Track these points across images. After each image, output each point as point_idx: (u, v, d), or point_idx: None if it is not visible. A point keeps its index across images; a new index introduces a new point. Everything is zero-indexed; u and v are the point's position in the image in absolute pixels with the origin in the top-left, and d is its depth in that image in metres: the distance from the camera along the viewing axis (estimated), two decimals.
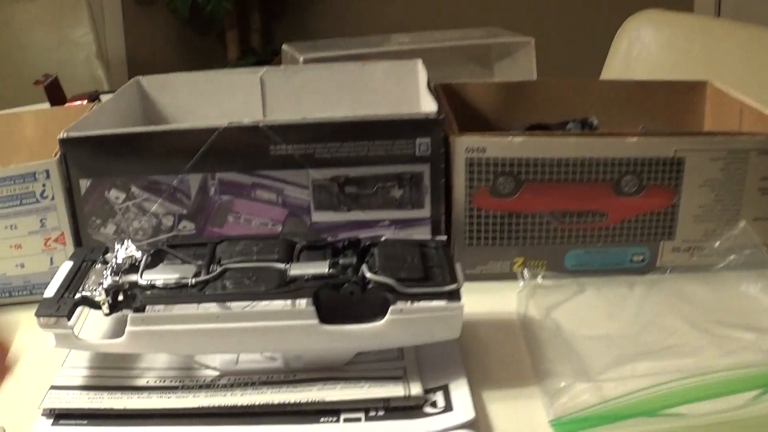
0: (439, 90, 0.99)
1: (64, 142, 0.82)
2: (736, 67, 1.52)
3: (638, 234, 0.87)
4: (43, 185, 0.83)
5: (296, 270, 0.69)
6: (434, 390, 0.68)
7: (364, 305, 0.68)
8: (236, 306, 0.68)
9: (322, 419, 0.65)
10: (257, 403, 0.66)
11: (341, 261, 0.70)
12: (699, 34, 1.58)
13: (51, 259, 0.85)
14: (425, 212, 0.84)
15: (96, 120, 0.89)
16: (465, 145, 0.82)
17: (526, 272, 0.85)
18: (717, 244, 0.86)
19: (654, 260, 0.88)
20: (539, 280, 0.85)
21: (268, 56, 3.08)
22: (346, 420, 0.65)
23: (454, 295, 0.68)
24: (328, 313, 0.67)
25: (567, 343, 0.76)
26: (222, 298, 0.67)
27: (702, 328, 0.77)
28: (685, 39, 1.56)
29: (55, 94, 1.25)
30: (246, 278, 0.68)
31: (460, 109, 0.99)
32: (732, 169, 0.84)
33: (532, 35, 1.35)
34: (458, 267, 0.70)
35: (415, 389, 0.66)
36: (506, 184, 0.83)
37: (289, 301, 0.69)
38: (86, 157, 0.82)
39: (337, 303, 0.67)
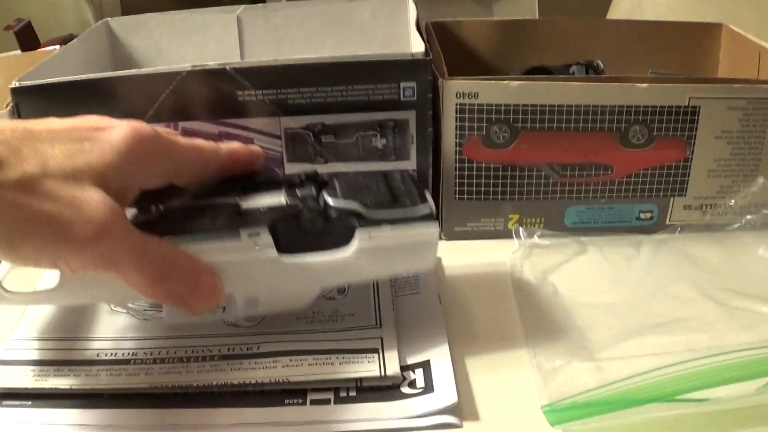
0: (430, 29, 0.91)
1: (17, 92, 0.74)
2: (754, 9, 1.43)
3: (646, 189, 0.79)
4: None
5: (249, 203, 0.60)
6: (413, 367, 0.61)
7: (328, 236, 0.60)
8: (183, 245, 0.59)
9: (286, 401, 0.58)
10: (215, 382, 0.58)
11: (299, 192, 0.61)
12: None
13: None
14: (411, 164, 0.77)
15: (56, 66, 0.81)
16: (455, 90, 0.74)
17: (521, 230, 0.78)
18: (732, 201, 0.79)
19: (663, 218, 0.81)
20: (536, 238, 0.77)
21: None
22: (312, 402, 0.58)
23: (428, 219, 0.60)
24: (287, 247, 0.59)
25: (565, 313, 0.68)
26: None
27: (715, 297, 0.69)
28: None
29: (28, 40, 1.17)
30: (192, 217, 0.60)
31: (455, 51, 0.91)
32: (751, 120, 0.76)
33: None
34: (428, 194, 0.63)
35: (392, 368, 0.59)
36: (501, 134, 0.75)
37: (243, 234, 0.59)
38: (41, 108, 0.74)
39: (297, 235, 0.59)
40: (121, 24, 0.98)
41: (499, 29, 0.97)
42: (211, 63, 0.73)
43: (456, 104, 0.74)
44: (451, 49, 0.88)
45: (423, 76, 0.74)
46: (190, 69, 0.73)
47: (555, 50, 0.95)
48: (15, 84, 0.74)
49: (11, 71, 1.00)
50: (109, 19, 0.99)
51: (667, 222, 0.81)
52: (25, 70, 0.97)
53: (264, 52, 0.96)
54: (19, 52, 1.22)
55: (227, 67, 0.73)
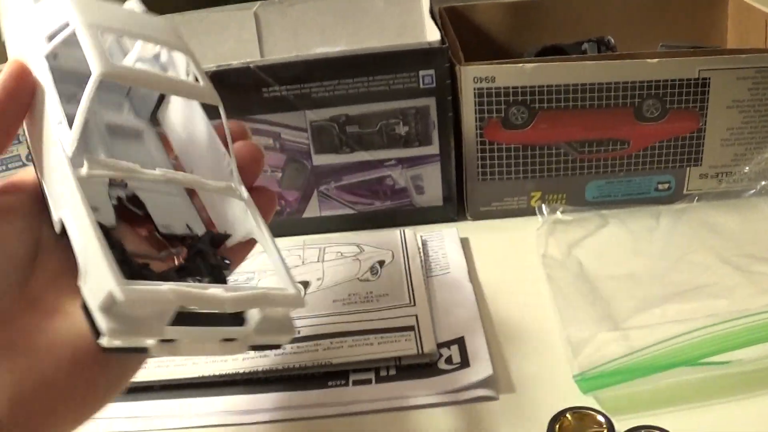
0: (444, 15, 0.93)
1: None
2: None
3: (663, 161, 0.81)
4: (28, 148, 0.78)
5: None
6: (449, 344, 0.63)
7: None
8: None
9: (330, 383, 0.61)
10: (261, 368, 0.61)
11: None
12: None
13: None
14: (434, 148, 0.79)
15: None
16: (472, 75, 0.76)
17: (544, 207, 0.80)
18: (747, 168, 0.80)
19: (680, 188, 0.83)
20: (558, 214, 0.80)
21: None
22: (355, 382, 0.60)
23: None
24: None
25: (590, 285, 0.71)
26: None
27: (734, 263, 0.71)
28: None
29: None
30: None
31: (469, 35, 0.93)
32: (761, 89, 0.78)
33: None
34: None
35: (428, 345, 0.62)
36: (519, 115, 0.78)
37: None
38: None
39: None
40: None
41: (510, 11, 0.98)
42: (235, 62, 0.76)
43: (474, 89, 0.76)
44: (465, 34, 0.90)
45: (440, 64, 0.76)
46: (215, 69, 0.75)
47: (567, 29, 0.97)
48: None
49: None
50: None
51: (685, 192, 0.83)
52: None
53: (283, 47, 0.98)
54: None
55: (251, 65, 0.75)
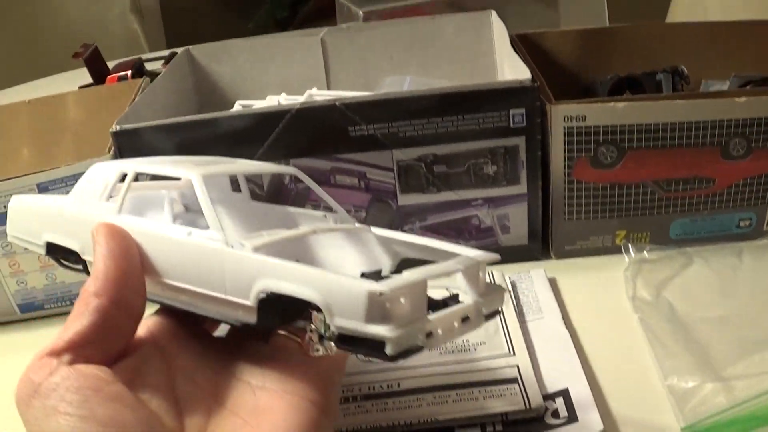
0: (517, 43, 0.91)
1: (118, 135, 0.75)
2: None
3: (745, 198, 0.80)
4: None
5: None
6: (554, 396, 0.62)
7: None
8: None
9: None
10: (364, 426, 0.60)
11: None
12: None
13: None
14: (521, 188, 0.78)
15: (148, 105, 0.82)
16: (563, 114, 0.75)
17: (630, 247, 0.79)
18: None
19: (761, 224, 0.82)
20: (645, 254, 0.79)
21: None
22: None
23: None
24: None
25: (684, 329, 0.70)
26: None
27: None
28: None
29: (96, 66, 1.18)
30: None
31: (539, 62, 0.92)
32: None
33: None
34: None
35: (535, 400, 0.61)
36: (608, 154, 0.76)
37: None
38: (143, 150, 0.74)
39: None
40: (202, 51, 0.99)
41: (580, 38, 0.97)
42: (320, 99, 0.74)
43: (564, 127, 0.75)
44: (535, 60, 0.89)
45: (532, 102, 0.75)
46: (299, 106, 0.74)
47: (637, 56, 0.96)
48: (115, 128, 0.75)
49: (91, 104, 1.02)
50: (190, 47, 0.99)
51: (765, 228, 0.82)
52: (104, 102, 0.99)
53: (349, 73, 0.96)
54: (82, 70, 1.23)
55: (337, 103, 0.74)
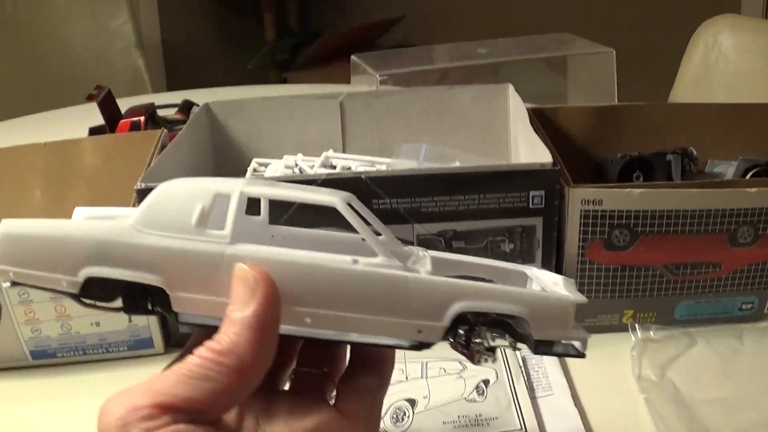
0: (532, 117, 0.93)
1: (142, 193, 0.76)
2: None
3: (749, 283, 0.83)
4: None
5: None
6: None
7: None
8: None
9: None
10: None
11: None
12: None
13: (129, 316, 0.81)
14: (536, 266, 0.80)
15: (170, 160, 0.83)
16: (581, 197, 0.77)
17: (637, 327, 0.81)
18: None
19: (762, 308, 0.85)
20: (651, 333, 0.81)
21: (306, 37, 3.01)
22: None
23: None
24: None
25: (688, 411, 0.72)
26: None
27: None
28: (765, 45, 1.50)
29: (109, 109, 1.19)
30: None
31: (550, 134, 0.94)
32: None
33: (601, 38, 1.30)
34: None
35: None
36: (621, 237, 0.79)
37: None
38: None
39: None
40: (221, 107, 1.01)
41: (593, 115, 1.00)
42: (346, 172, 0.76)
43: (581, 210, 0.78)
44: (549, 135, 0.91)
45: (551, 185, 0.77)
46: (324, 178, 0.76)
47: (647, 134, 0.99)
48: (140, 185, 0.76)
49: (107, 152, 1.03)
50: (209, 102, 1.01)
51: (766, 311, 0.85)
52: (119, 151, 1.00)
53: (366, 138, 0.98)
54: (89, 105, 1.24)
55: (363, 176, 0.76)
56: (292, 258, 0.46)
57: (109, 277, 0.48)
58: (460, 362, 0.77)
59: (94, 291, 0.49)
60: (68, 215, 0.55)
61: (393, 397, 0.72)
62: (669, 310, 0.83)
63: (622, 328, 0.83)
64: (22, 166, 1.04)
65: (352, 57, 1.25)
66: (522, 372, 0.76)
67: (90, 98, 1.21)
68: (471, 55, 1.22)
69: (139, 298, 0.49)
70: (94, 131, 1.23)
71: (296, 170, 0.94)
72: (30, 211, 1.02)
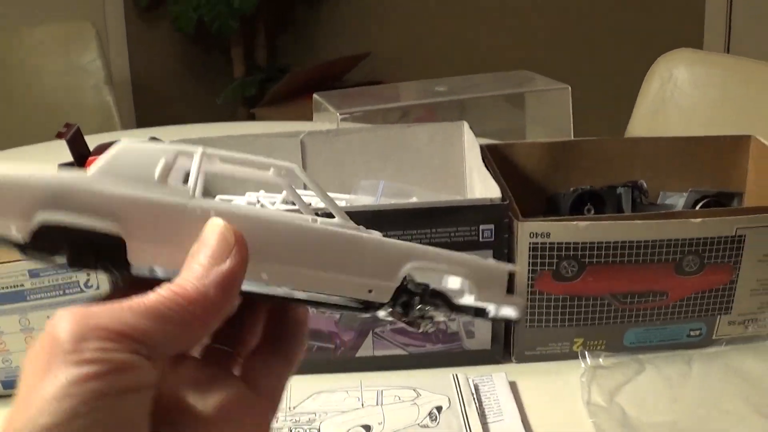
0: (486, 154, 0.97)
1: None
2: None
3: (696, 310, 0.86)
4: (87, 275, 0.80)
5: None
6: None
7: None
8: None
9: None
10: None
11: None
12: (735, 74, 1.56)
13: None
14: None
15: None
16: (529, 230, 0.80)
17: (587, 354, 0.84)
18: None
19: (710, 334, 0.88)
20: (601, 361, 0.84)
21: (274, 73, 3.03)
22: None
23: None
24: None
25: None
26: None
27: (764, 413, 0.77)
28: (720, 79, 1.54)
29: (78, 147, 1.21)
30: None
31: (504, 170, 0.97)
32: None
33: (560, 73, 1.34)
34: None
35: None
36: (569, 268, 0.82)
37: None
38: None
39: None
40: None
41: (547, 151, 1.03)
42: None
43: (529, 243, 0.81)
44: (503, 171, 0.94)
45: (501, 219, 0.80)
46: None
47: (599, 169, 1.01)
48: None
49: None
50: (172, 141, 1.03)
51: (714, 337, 0.88)
52: None
53: (326, 175, 1.01)
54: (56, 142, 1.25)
55: (320, 213, 0.78)
56: (256, 213, 0.46)
57: (64, 223, 0.45)
58: (414, 390, 0.80)
59: (42, 242, 0.46)
60: None
61: (349, 423, 0.75)
62: (618, 338, 0.86)
63: (573, 356, 0.85)
64: None
65: (314, 95, 1.28)
66: (474, 398, 0.78)
67: (59, 136, 1.23)
68: (433, 93, 1.25)
69: (86, 251, 0.46)
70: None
71: (258, 206, 0.96)
72: (10, 253, 1.04)
